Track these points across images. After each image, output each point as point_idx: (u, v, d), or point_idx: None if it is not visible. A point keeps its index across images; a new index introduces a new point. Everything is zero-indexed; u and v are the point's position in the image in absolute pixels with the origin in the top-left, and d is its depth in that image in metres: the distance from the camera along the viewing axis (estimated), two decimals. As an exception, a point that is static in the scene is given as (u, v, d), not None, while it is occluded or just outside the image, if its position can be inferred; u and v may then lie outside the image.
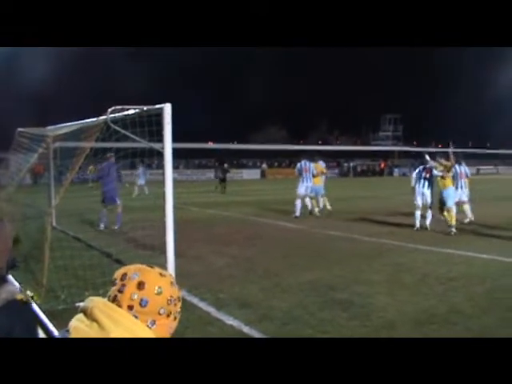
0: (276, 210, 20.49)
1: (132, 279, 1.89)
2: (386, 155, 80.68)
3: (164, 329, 1.94)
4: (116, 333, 1.79)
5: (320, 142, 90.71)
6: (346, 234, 15.00)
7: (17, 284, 3.26)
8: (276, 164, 73.60)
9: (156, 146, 8.87)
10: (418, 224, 15.73)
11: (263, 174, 66.56)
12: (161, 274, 1.97)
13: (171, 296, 1.95)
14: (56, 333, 2.94)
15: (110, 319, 1.82)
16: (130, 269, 1.96)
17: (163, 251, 8.85)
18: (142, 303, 1.86)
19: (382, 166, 78.44)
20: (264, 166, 69.58)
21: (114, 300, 1.89)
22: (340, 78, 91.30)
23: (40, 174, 23.18)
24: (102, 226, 14.37)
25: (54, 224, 14.81)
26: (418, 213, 15.77)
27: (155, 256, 9.64)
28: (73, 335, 1.82)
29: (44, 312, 2.93)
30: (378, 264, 10.79)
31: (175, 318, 2.00)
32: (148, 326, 1.88)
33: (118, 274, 1.96)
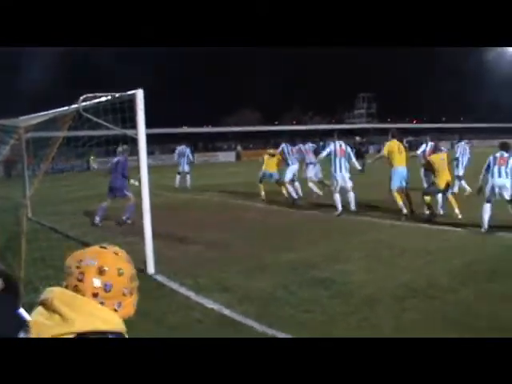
0: (252, 192, 20.43)
1: (90, 265, 1.84)
2: (361, 133, 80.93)
3: (129, 307, 1.93)
4: (81, 322, 1.75)
5: (294, 122, 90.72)
6: (323, 213, 15.02)
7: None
8: (251, 146, 73.34)
9: (129, 132, 8.82)
10: (339, 207, 14.60)
11: (238, 157, 66.25)
12: (116, 253, 1.93)
13: (131, 274, 1.94)
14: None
15: (72, 308, 1.77)
16: (84, 254, 1.89)
17: (141, 238, 8.84)
18: (107, 288, 1.83)
19: (355, 143, 78.57)
20: (239, 148, 69.26)
21: (75, 290, 1.83)
22: (313, 58, 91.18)
23: (13, 163, 22.83)
24: (97, 219, 13.84)
25: (30, 215, 14.67)
26: (337, 195, 14.67)
27: (133, 243, 9.61)
28: (33, 330, 1.77)
29: (23, 305, 2.89)
30: (357, 241, 10.85)
31: (136, 293, 1.99)
32: (115, 309, 1.86)
33: (70, 261, 1.89)
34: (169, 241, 11.27)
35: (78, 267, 1.84)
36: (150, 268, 8.76)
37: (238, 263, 9.34)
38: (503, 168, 11.10)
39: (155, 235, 9.00)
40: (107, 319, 1.82)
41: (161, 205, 15.46)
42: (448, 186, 13.30)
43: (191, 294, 7.65)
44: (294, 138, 20.39)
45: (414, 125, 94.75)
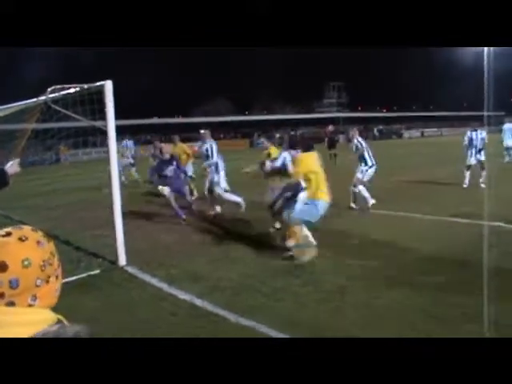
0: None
1: None
2: (331, 122, 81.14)
3: (48, 297, 1.70)
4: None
5: (265, 112, 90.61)
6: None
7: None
8: (222, 136, 73.30)
9: (98, 123, 8.75)
10: (242, 203, 13.08)
11: (209, 147, 65.97)
12: (21, 239, 1.65)
13: (43, 260, 1.67)
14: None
15: None
16: None
17: (112, 230, 8.80)
18: (13, 285, 1.59)
19: (326, 132, 78.62)
20: (209, 138, 68.99)
21: None
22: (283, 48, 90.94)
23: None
24: (182, 216, 13.39)
25: (-1, 209, 14.54)
26: (225, 194, 13.47)
27: (104, 235, 9.59)
28: None
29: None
30: (322, 231, 10.86)
31: (57, 277, 1.75)
32: (30, 304, 1.63)
33: None
34: (139, 232, 11.24)
35: None
36: (122, 260, 8.74)
37: (207, 254, 9.36)
38: None
39: (125, 227, 8.97)
40: (35, 320, 1.63)
41: (130, 196, 15.40)
42: None
43: (163, 286, 7.67)
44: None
45: (385, 114, 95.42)
